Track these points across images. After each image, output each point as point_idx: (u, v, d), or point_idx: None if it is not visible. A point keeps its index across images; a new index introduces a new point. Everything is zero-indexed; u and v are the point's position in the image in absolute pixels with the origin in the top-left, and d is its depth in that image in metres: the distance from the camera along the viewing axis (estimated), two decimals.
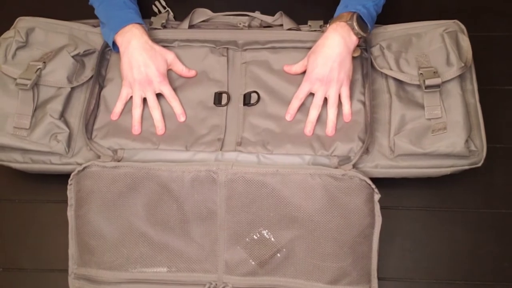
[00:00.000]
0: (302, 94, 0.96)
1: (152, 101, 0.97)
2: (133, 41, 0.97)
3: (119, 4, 1.01)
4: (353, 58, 0.98)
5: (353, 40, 0.95)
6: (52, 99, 0.98)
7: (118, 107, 0.98)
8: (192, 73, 1.01)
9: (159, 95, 0.99)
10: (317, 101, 0.95)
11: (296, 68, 0.99)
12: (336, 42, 0.94)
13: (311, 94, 0.97)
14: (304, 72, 0.98)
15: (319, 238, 0.89)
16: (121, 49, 0.98)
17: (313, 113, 0.95)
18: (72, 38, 1.04)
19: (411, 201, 1.02)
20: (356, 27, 0.94)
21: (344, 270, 0.88)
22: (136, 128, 0.96)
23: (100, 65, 1.02)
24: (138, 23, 0.99)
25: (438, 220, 1.01)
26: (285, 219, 0.90)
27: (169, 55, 1.00)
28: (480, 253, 0.99)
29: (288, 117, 0.96)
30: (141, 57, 0.96)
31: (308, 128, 0.95)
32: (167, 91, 0.98)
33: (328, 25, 0.98)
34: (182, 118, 0.97)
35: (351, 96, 0.97)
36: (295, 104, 0.96)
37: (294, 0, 1.17)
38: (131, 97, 0.99)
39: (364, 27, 0.96)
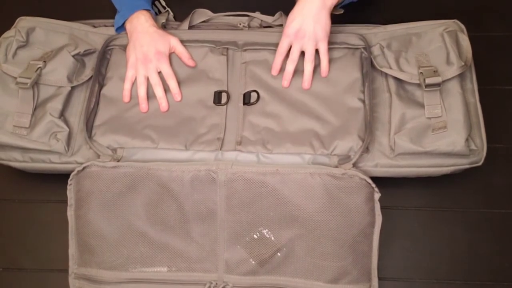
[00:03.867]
0: (282, 49, 0.98)
1: (154, 78, 0.99)
2: (138, 27, 1.01)
3: None
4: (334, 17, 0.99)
5: None
6: (52, 98, 0.98)
7: (127, 88, 0.99)
8: (191, 62, 1.02)
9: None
10: (293, 56, 0.98)
11: (282, 44, 0.99)
12: None
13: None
14: None
15: (319, 237, 0.89)
16: (129, 35, 1.02)
17: (289, 66, 0.98)
18: (73, 38, 1.04)
19: (411, 201, 1.02)
20: None
21: (345, 269, 0.88)
22: (143, 106, 0.98)
23: (100, 64, 1.03)
24: (146, 10, 1.03)
25: (438, 220, 1.01)
26: (285, 219, 0.90)
27: (172, 38, 1.02)
28: (480, 253, 0.99)
29: (274, 72, 0.99)
30: (143, 39, 1.00)
31: (285, 80, 0.98)
32: (165, 69, 1.00)
33: None
34: (178, 98, 0.99)
35: (351, 92, 0.97)
36: (278, 59, 0.99)
37: (294, 0, 1.16)
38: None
39: None
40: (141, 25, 1.01)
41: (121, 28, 1.05)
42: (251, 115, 0.97)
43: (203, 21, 1.09)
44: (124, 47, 1.04)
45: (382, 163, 0.95)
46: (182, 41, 1.03)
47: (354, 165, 0.92)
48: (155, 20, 1.05)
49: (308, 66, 0.97)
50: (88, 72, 1.02)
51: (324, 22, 0.96)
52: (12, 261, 1.01)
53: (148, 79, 1.00)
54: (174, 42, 1.02)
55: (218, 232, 0.91)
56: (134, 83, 1.00)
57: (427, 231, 1.00)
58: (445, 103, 0.94)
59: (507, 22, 1.18)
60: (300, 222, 0.89)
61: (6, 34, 1.02)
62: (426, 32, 1.00)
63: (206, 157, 0.94)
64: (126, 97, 0.99)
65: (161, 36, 1.01)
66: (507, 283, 0.96)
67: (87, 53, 1.04)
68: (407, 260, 0.98)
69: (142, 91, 0.99)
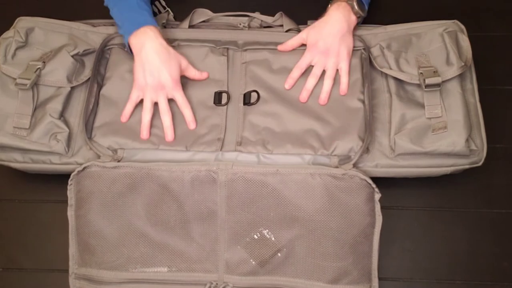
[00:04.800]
0: (304, 64, 1.00)
1: (163, 105, 0.96)
2: (147, 44, 0.94)
3: (133, 6, 0.99)
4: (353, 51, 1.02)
5: (353, 19, 1.00)
6: (52, 98, 0.98)
7: (128, 109, 0.97)
8: (204, 75, 1.00)
9: (170, 100, 0.97)
10: (316, 71, 0.99)
11: (293, 42, 1.02)
12: (338, 19, 0.98)
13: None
14: (298, 48, 1.02)
15: (320, 237, 0.89)
16: (135, 51, 0.96)
17: (311, 81, 0.99)
18: (72, 38, 1.03)
19: (411, 201, 1.02)
20: (356, 7, 1.00)
21: (345, 270, 0.88)
22: (144, 133, 0.95)
23: (99, 64, 1.02)
24: (153, 25, 0.97)
25: (438, 220, 1.01)
26: (286, 219, 0.90)
27: (183, 60, 0.98)
28: (479, 253, 0.99)
29: (287, 86, 0.99)
30: (154, 61, 0.94)
31: (303, 95, 0.98)
32: (179, 97, 0.96)
33: (330, 5, 1.02)
34: (192, 126, 0.96)
35: (351, 92, 0.98)
36: (295, 73, 0.99)
37: (294, 0, 1.17)
38: (141, 100, 0.97)
39: (362, 8, 1.02)
40: (150, 41, 0.95)
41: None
42: (251, 115, 0.97)
43: (203, 21, 1.09)
44: (123, 46, 1.03)
45: (382, 163, 0.95)
46: (182, 40, 1.03)
47: (354, 165, 0.92)
48: (163, 36, 0.98)
49: (328, 81, 0.98)
50: (87, 72, 1.01)
51: (348, 43, 1.00)
52: (12, 261, 1.01)
53: (154, 104, 0.96)
54: (185, 64, 0.98)
55: (219, 232, 0.91)
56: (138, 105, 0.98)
57: (427, 231, 1.00)
58: (445, 103, 0.94)
59: (507, 22, 1.18)
60: (301, 223, 0.90)
61: (5, 35, 1.01)
62: (426, 32, 1.00)
63: (206, 158, 0.94)
64: (124, 118, 0.97)
65: (173, 58, 0.96)
66: (507, 283, 0.97)
67: (87, 53, 1.03)
68: (407, 260, 0.98)
69: (146, 118, 0.95)
